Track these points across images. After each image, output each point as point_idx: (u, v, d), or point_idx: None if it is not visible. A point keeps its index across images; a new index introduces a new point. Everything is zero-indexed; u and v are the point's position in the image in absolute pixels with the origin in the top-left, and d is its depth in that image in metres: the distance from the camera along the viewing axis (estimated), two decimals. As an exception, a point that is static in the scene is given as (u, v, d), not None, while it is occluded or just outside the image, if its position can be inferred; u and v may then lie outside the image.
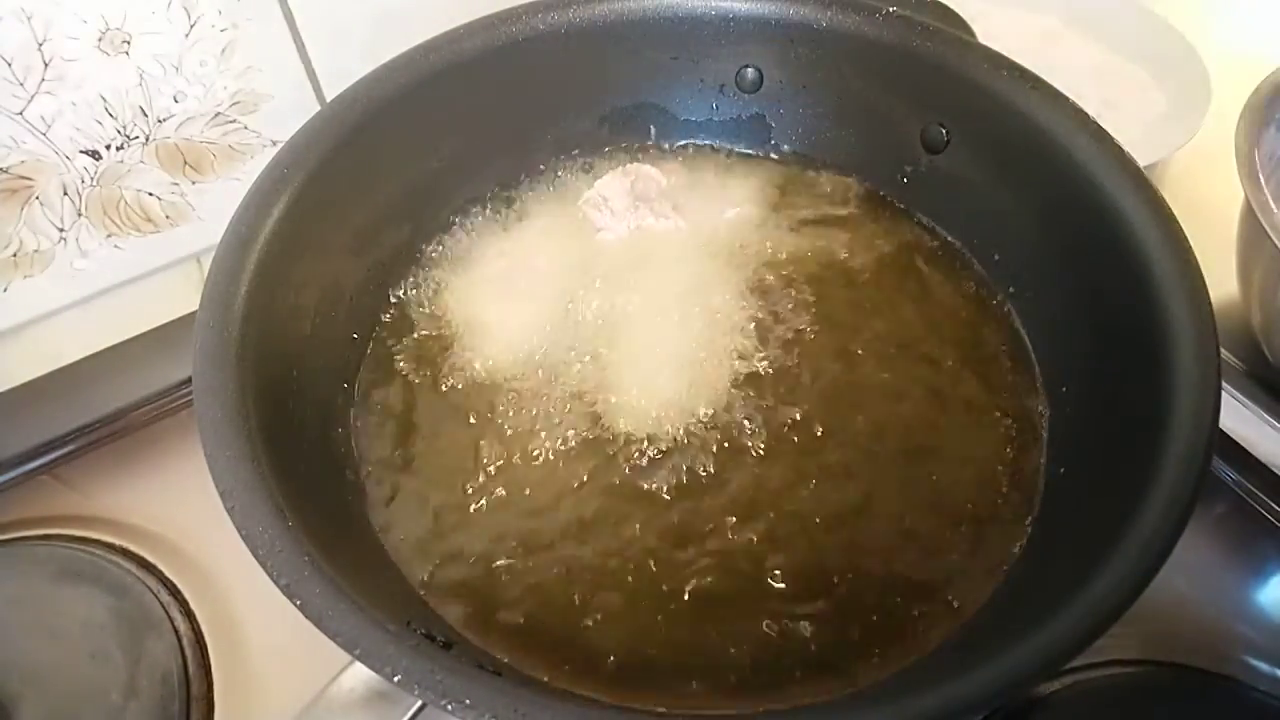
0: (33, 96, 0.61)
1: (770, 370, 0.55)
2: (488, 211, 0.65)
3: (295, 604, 0.37)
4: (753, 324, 0.58)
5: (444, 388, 0.56)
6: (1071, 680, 0.53)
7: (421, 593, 0.48)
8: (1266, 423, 0.63)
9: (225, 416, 0.42)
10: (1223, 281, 0.60)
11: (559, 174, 0.67)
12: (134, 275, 0.73)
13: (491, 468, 0.52)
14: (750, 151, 0.68)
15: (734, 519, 0.50)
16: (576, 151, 0.67)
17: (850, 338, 0.57)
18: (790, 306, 0.59)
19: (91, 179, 0.67)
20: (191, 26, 0.63)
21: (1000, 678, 0.36)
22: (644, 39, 0.63)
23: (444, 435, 0.54)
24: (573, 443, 0.53)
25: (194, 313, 0.46)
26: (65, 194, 0.66)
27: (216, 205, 0.72)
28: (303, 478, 0.45)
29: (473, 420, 0.54)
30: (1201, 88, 0.79)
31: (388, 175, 0.58)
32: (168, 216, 0.72)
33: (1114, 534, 0.40)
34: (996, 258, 0.60)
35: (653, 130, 0.68)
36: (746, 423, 0.53)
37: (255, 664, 0.57)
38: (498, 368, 0.56)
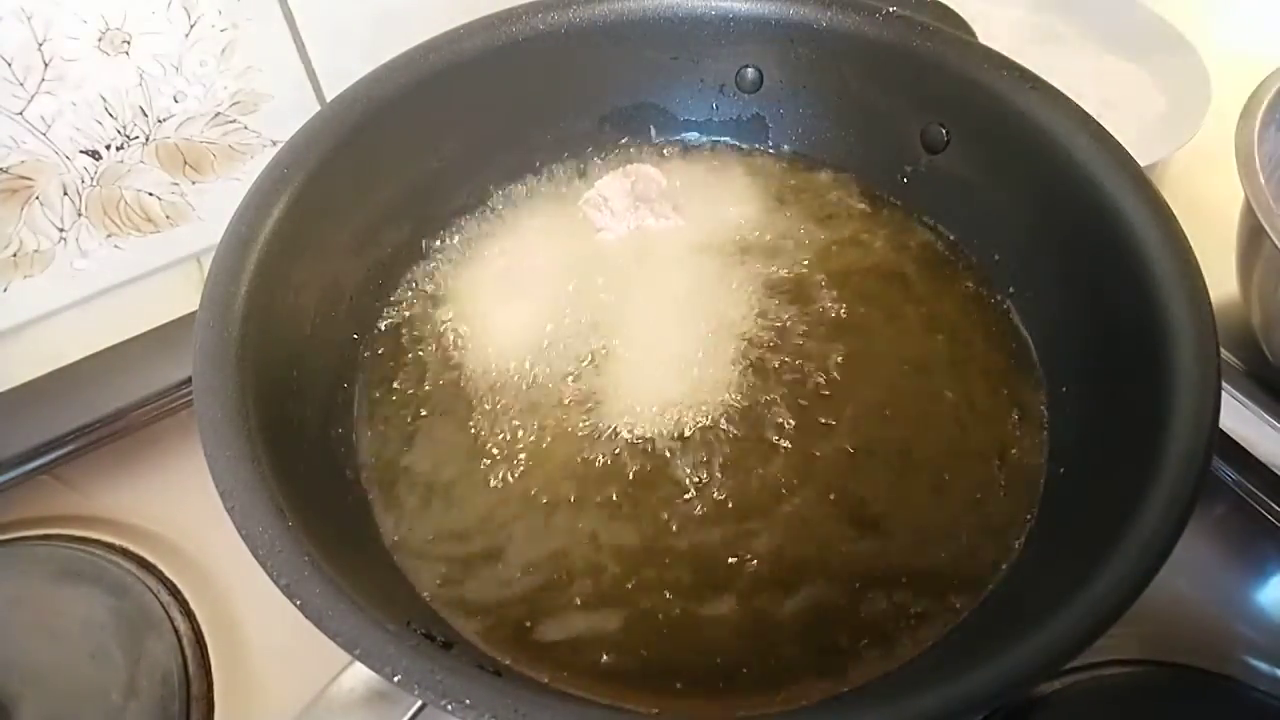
0: (33, 96, 0.61)
1: (770, 370, 0.55)
2: (488, 211, 0.65)
3: (295, 604, 0.37)
4: (752, 324, 0.58)
5: (444, 387, 0.56)
6: (1071, 680, 0.53)
7: (421, 592, 0.48)
8: (1266, 423, 0.63)
9: (225, 416, 0.42)
10: (1223, 281, 0.60)
11: (559, 174, 0.67)
12: (134, 275, 0.73)
13: (491, 467, 0.52)
14: (750, 151, 0.68)
15: (734, 518, 0.50)
16: (577, 151, 0.67)
17: (850, 337, 0.57)
18: (790, 306, 0.59)
19: (91, 179, 0.67)
20: (191, 26, 0.63)
21: (1000, 678, 0.36)
22: (644, 39, 0.63)
23: (444, 435, 0.54)
24: (574, 442, 0.53)
25: (194, 313, 0.46)
26: (65, 194, 0.66)
27: (216, 205, 0.72)
28: (303, 478, 0.45)
29: (472, 420, 0.54)
30: (1201, 88, 0.79)
31: (388, 175, 0.58)
32: (168, 216, 0.72)
33: (1114, 534, 0.40)
34: (996, 258, 0.60)
35: (653, 130, 0.68)
36: (744, 421, 0.53)
37: (255, 664, 0.57)
38: (498, 367, 0.56)
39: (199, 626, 0.58)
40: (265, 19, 0.65)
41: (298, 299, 0.52)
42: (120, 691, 0.54)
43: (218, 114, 0.68)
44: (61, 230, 0.68)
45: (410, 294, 0.60)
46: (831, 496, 0.51)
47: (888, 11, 0.59)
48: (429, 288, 0.61)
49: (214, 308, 0.46)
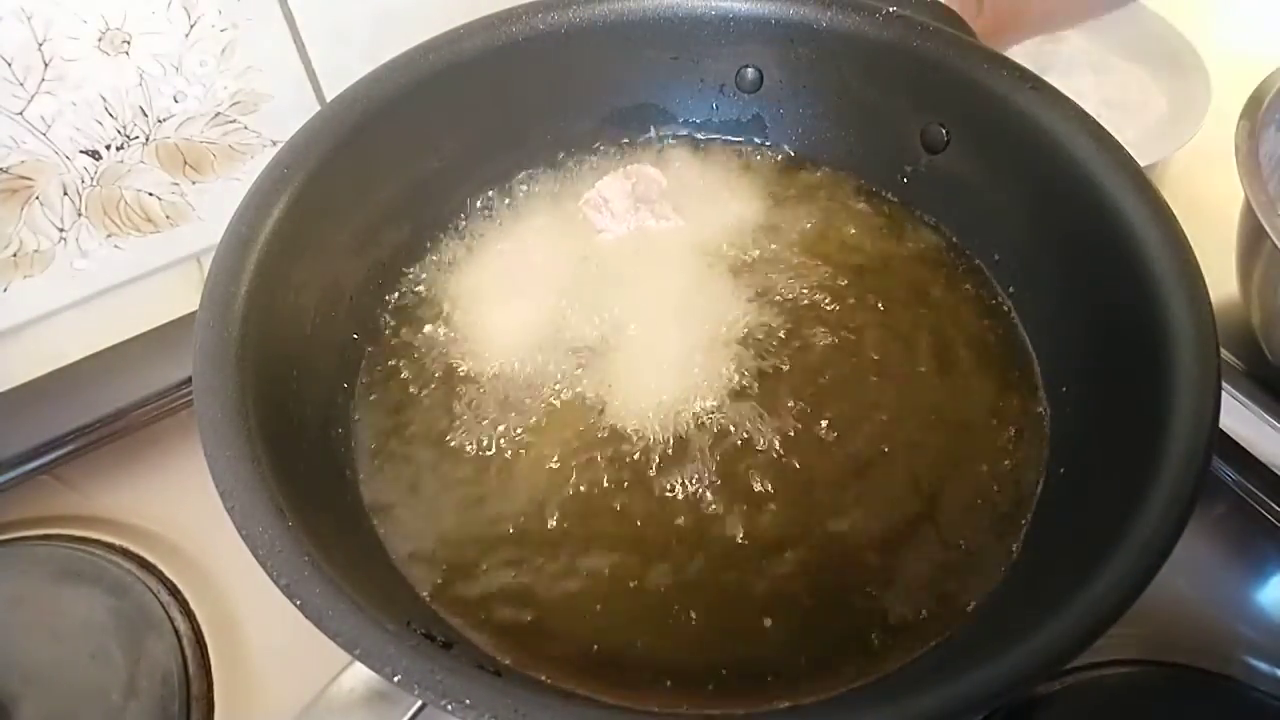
0: (33, 96, 0.61)
1: (770, 369, 0.55)
2: (488, 211, 0.65)
3: (295, 604, 0.37)
4: (752, 324, 0.58)
5: (444, 387, 0.56)
6: (1071, 680, 0.53)
7: (421, 592, 0.48)
8: (1266, 423, 0.63)
9: (225, 416, 0.42)
10: (1223, 281, 0.60)
11: (559, 174, 0.67)
12: (134, 275, 0.73)
13: (491, 467, 0.52)
14: (750, 151, 0.68)
15: (734, 517, 0.50)
16: (576, 151, 0.67)
17: (849, 337, 0.57)
18: (790, 306, 0.59)
19: (91, 179, 0.67)
20: (191, 26, 0.63)
21: (1000, 678, 0.36)
22: (644, 39, 0.63)
23: (444, 434, 0.54)
24: (573, 442, 0.53)
25: (194, 313, 0.46)
26: (65, 194, 0.66)
27: (216, 205, 0.72)
28: (303, 478, 0.45)
29: (472, 419, 0.54)
30: (1201, 88, 0.79)
31: (388, 175, 0.58)
32: (168, 216, 0.72)
33: (1114, 534, 0.40)
34: (996, 258, 0.60)
35: (653, 130, 0.68)
36: (745, 421, 0.53)
37: (255, 664, 0.57)
38: (498, 367, 0.56)
39: (199, 626, 0.58)
40: (265, 19, 0.65)
41: (298, 299, 0.52)
42: (120, 691, 0.54)
43: (218, 114, 0.68)
44: (61, 230, 0.68)
45: (410, 294, 0.60)
46: (830, 496, 0.51)
47: (888, 11, 0.59)
48: (429, 288, 0.61)
49: (214, 308, 0.46)
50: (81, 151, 0.65)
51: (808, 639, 0.46)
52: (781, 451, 0.52)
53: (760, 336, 0.57)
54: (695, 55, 0.64)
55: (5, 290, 0.68)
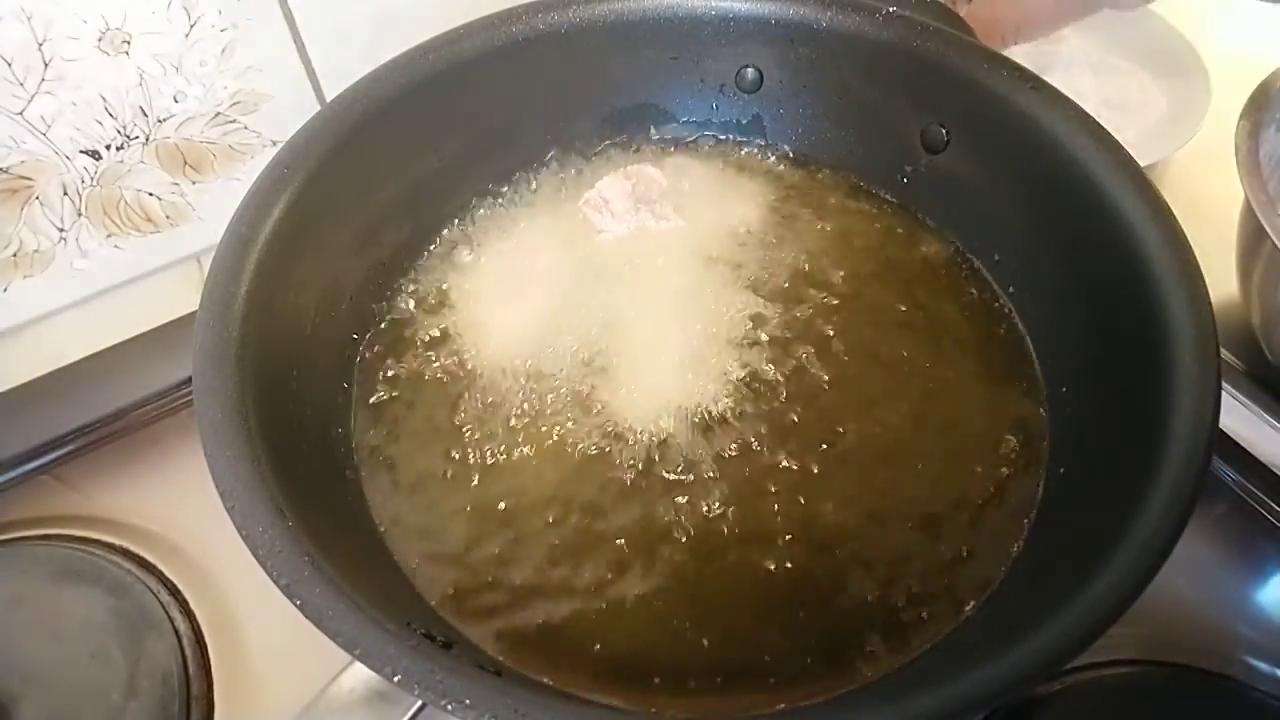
0: (33, 96, 0.61)
1: (770, 369, 0.55)
2: (488, 211, 0.65)
3: (295, 604, 0.37)
4: (753, 324, 0.58)
5: (444, 387, 0.56)
6: (1071, 680, 0.53)
7: (421, 592, 0.48)
8: (1266, 423, 0.63)
9: (225, 416, 0.42)
10: (1223, 281, 0.60)
11: (559, 174, 0.67)
12: (134, 275, 0.73)
13: (492, 467, 0.52)
14: (750, 151, 0.68)
15: (732, 518, 0.50)
16: (576, 151, 0.67)
17: (849, 337, 0.57)
18: (790, 307, 0.59)
19: (91, 179, 0.67)
20: (191, 26, 0.63)
21: (1000, 678, 0.36)
22: (644, 39, 0.63)
23: (444, 434, 0.54)
24: (573, 442, 0.53)
25: (194, 313, 0.46)
26: (65, 194, 0.66)
27: (216, 205, 0.72)
28: (303, 478, 0.45)
29: (472, 419, 0.54)
30: (1201, 88, 0.79)
31: (388, 175, 0.58)
32: (168, 216, 0.72)
33: (1114, 534, 0.40)
34: (996, 258, 0.60)
35: (653, 130, 0.68)
36: (745, 421, 0.53)
37: (255, 664, 0.57)
38: (498, 367, 0.56)
39: (199, 626, 0.58)
40: (265, 19, 0.65)
41: (298, 299, 0.52)
42: (120, 691, 0.54)
43: (218, 114, 0.68)
44: (61, 230, 0.68)
45: (410, 294, 0.60)
46: (829, 497, 0.51)
47: (888, 11, 0.59)
48: (429, 288, 0.61)
49: (214, 308, 0.46)
50: (81, 151, 0.65)
51: (808, 640, 0.46)
52: (782, 452, 0.52)
53: (760, 336, 0.57)
54: (695, 55, 0.64)
55: (5, 290, 0.68)
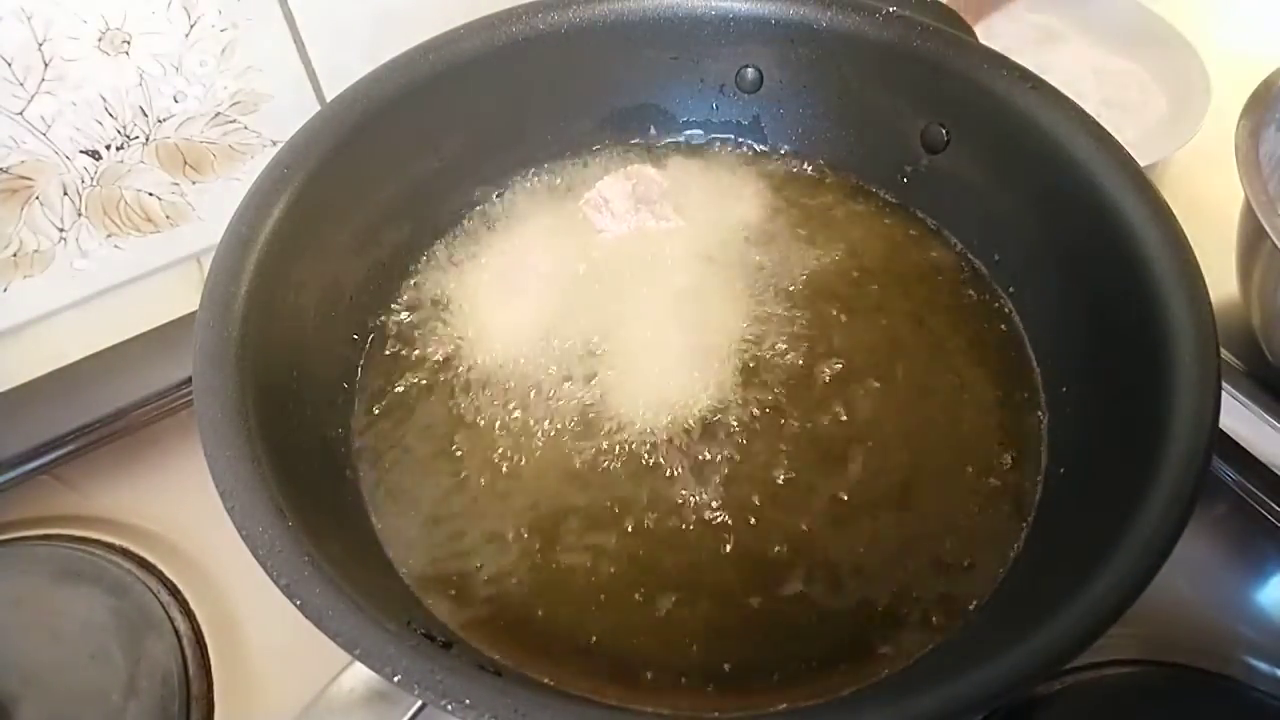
0: (33, 96, 0.61)
1: (770, 370, 0.55)
2: (488, 211, 0.65)
3: (295, 604, 0.37)
4: (753, 324, 0.58)
5: (444, 387, 0.56)
6: (1071, 680, 0.53)
7: (421, 592, 0.48)
8: (1266, 423, 0.63)
9: (225, 416, 0.42)
10: (1223, 281, 0.60)
11: (559, 174, 0.67)
12: (134, 275, 0.73)
13: (491, 467, 0.52)
14: (750, 151, 0.68)
15: (731, 518, 0.50)
16: (577, 151, 0.67)
17: (850, 337, 0.57)
18: (790, 307, 0.59)
19: (91, 179, 0.67)
20: (191, 26, 0.63)
21: (1000, 678, 0.36)
22: (644, 39, 0.63)
23: (443, 434, 0.54)
24: (572, 442, 0.53)
25: (194, 313, 0.46)
26: (65, 194, 0.66)
27: (216, 205, 0.72)
28: (303, 478, 0.45)
29: (472, 419, 0.54)
30: (1201, 88, 0.79)
31: (388, 175, 0.58)
32: (168, 216, 0.72)
33: (1114, 534, 0.40)
34: (996, 258, 0.60)
35: (653, 130, 0.68)
36: (745, 422, 0.53)
37: (255, 664, 0.57)
38: (497, 367, 0.56)
39: (199, 626, 0.58)
40: (265, 19, 0.65)
41: (298, 299, 0.52)
42: (120, 691, 0.54)
43: (218, 114, 0.68)
44: (61, 230, 0.68)
45: (410, 294, 0.60)
46: (828, 497, 0.51)
47: (888, 11, 0.59)
48: (429, 287, 0.61)
49: (214, 308, 0.46)
50: (81, 151, 0.65)
51: (808, 640, 0.46)
52: (781, 452, 0.52)
53: (760, 336, 0.57)
54: (695, 55, 0.64)
55: (5, 290, 0.68)
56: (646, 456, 0.52)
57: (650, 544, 0.49)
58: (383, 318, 0.59)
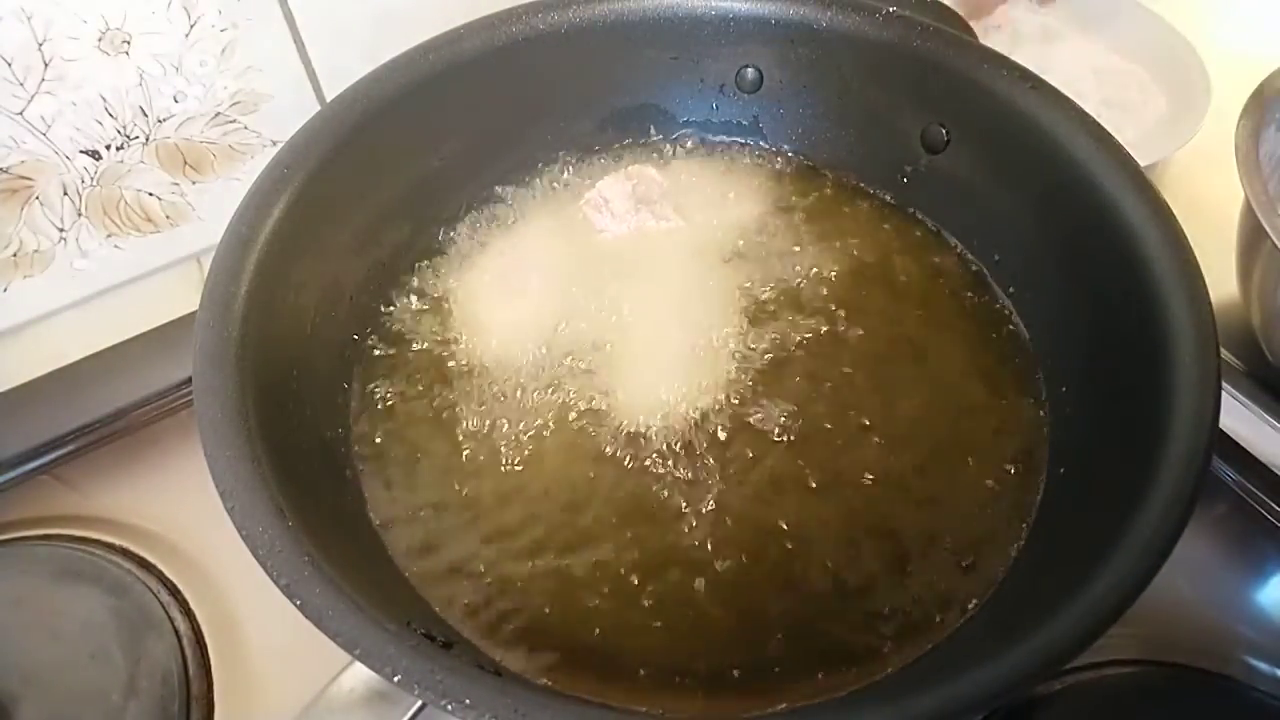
0: (33, 96, 0.61)
1: (770, 370, 0.55)
2: (488, 211, 0.65)
3: (295, 604, 0.37)
4: (753, 324, 0.58)
5: (444, 387, 0.56)
6: (1072, 680, 0.53)
7: (421, 592, 0.48)
8: (1266, 423, 0.63)
9: (225, 416, 0.42)
10: (1223, 281, 0.60)
11: (559, 174, 0.67)
12: (134, 275, 0.73)
13: (491, 466, 0.52)
14: (750, 151, 0.68)
15: (732, 517, 0.50)
16: (577, 151, 0.67)
17: (849, 337, 0.57)
18: (789, 308, 0.59)
19: (91, 179, 0.67)
20: (191, 26, 0.63)
21: (1000, 678, 0.36)
22: (644, 39, 0.63)
23: (444, 434, 0.54)
24: (573, 442, 0.53)
25: (194, 313, 0.46)
26: (65, 194, 0.66)
27: (216, 205, 0.72)
28: (303, 478, 0.45)
29: (472, 419, 0.54)
30: (1201, 88, 0.79)
31: (388, 175, 0.58)
32: (168, 216, 0.72)
33: (1114, 534, 0.40)
34: (996, 258, 0.60)
35: (653, 130, 0.68)
36: (746, 422, 0.53)
37: (255, 664, 0.57)
38: (497, 367, 0.56)
39: (199, 626, 0.58)
40: (265, 19, 0.65)
41: (298, 299, 0.52)
42: (120, 691, 0.54)
43: (218, 114, 0.68)
44: (61, 230, 0.68)
45: (410, 294, 0.60)
46: (828, 497, 0.51)
47: (888, 11, 0.59)
48: (429, 287, 0.61)
49: (214, 308, 0.46)
50: (81, 151, 0.65)
51: (809, 640, 0.46)
52: (780, 450, 0.52)
53: (760, 337, 0.57)
54: (695, 55, 0.64)
55: (5, 290, 0.68)
56: (646, 457, 0.52)
57: (650, 544, 0.49)
58: (383, 318, 0.59)
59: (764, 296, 0.59)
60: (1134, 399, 0.46)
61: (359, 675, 0.47)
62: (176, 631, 0.57)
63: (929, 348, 0.57)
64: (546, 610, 0.47)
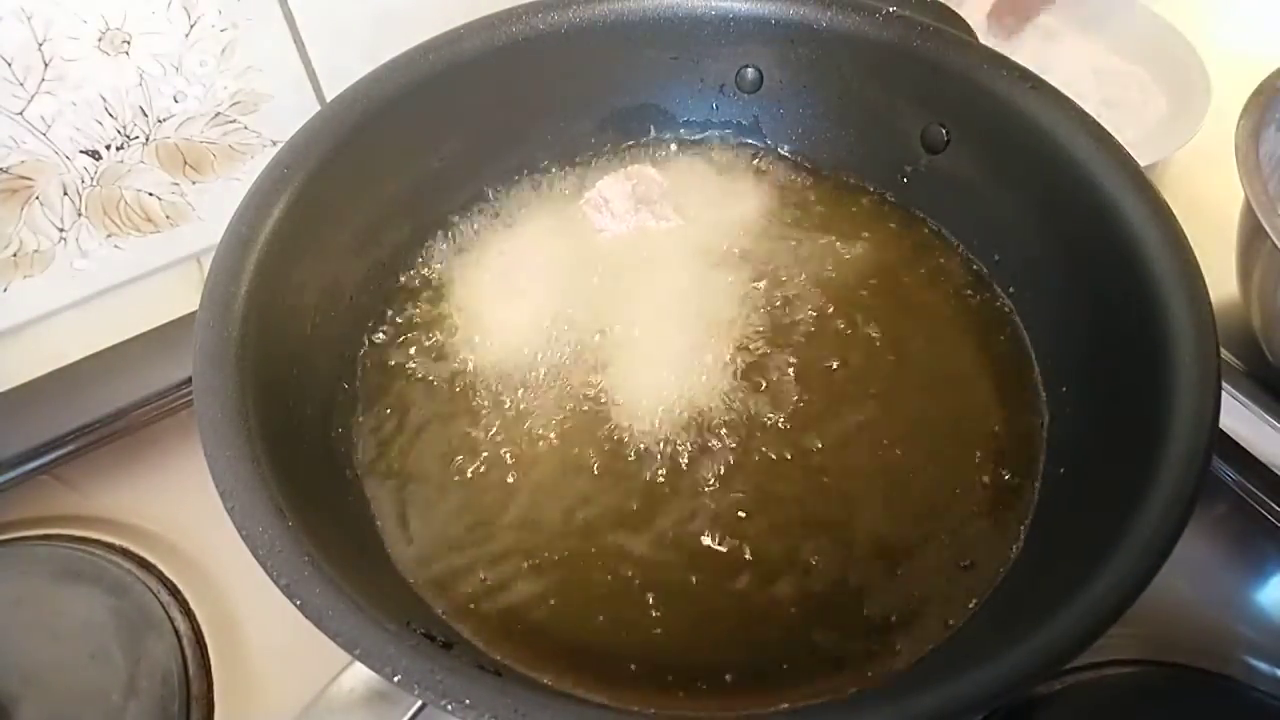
0: (33, 96, 0.61)
1: (770, 370, 0.55)
2: (488, 211, 0.65)
3: (295, 604, 0.37)
4: (752, 323, 0.58)
5: (444, 387, 0.56)
6: (1072, 680, 0.53)
7: (421, 592, 0.48)
8: (1266, 423, 0.63)
9: (225, 416, 0.42)
10: (1223, 281, 0.60)
11: (559, 174, 0.67)
12: (134, 275, 0.73)
13: (491, 466, 0.52)
14: (750, 151, 0.68)
15: (732, 516, 0.50)
16: (577, 151, 0.67)
17: (849, 337, 0.57)
18: (790, 307, 0.59)
19: (91, 179, 0.67)
20: (191, 26, 0.63)
21: (1000, 678, 0.36)
22: (644, 39, 0.63)
23: (444, 434, 0.54)
24: (572, 441, 0.53)
25: (194, 313, 0.46)
26: (65, 194, 0.66)
27: (216, 205, 0.72)
28: (303, 478, 0.45)
29: (472, 419, 0.54)
30: (1201, 88, 0.79)
31: (388, 175, 0.58)
32: (168, 216, 0.72)
33: (1114, 534, 0.40)
34: (996, 258, 0.60)
35: (653, 130, 0.68)
36: (746, 422, 0.53)
37: (255, 664, 0.57)
38: (497, 367, 0.56)
39: (199, 626, 0.58)
40: (265, 19, 0.65)
41: (298, 299, 0.52)
42: (120, 691, 0.54)
43: (218, 114, 0.68)
44: (61, 230, 0.68)
45: (410, 294, 0.60)
46: (829, 497, 0.51)
47: (888, 11, 0.59)
48: (429, 287, 0.61)
49: (214, 308, 0.46)
50: (81, 151, 0.65)
51: (809, 640, 0.46)
52: (781, 452, 0.52)
53: (760, 337, 0.57)
54: (695, 55, 0.64)
55: (5, 290, 0.68)
56: (646, 456, 0.52)
57: (649, 544, 0.49)
58: (383, 317, 0.59)
59: (763, 296, 0.59)
60: (1134, 399, 0.46)
61: (359, 675, 0.47)
62: (176, 631, 0.57)
63: (929, 347, 0.57)
64: (546, 610, 0.47)
